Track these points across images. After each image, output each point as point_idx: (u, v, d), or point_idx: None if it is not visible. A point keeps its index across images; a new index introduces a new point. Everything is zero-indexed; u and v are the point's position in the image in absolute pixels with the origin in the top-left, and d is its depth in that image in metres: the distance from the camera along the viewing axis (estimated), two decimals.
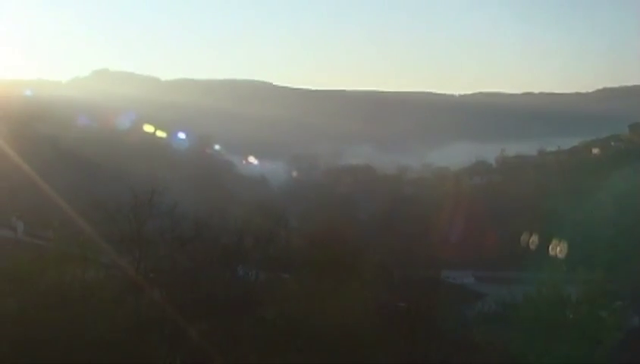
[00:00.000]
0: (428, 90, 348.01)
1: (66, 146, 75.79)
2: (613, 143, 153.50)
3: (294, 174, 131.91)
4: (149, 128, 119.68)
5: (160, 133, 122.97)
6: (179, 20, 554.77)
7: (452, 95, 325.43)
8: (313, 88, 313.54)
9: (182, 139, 65.00)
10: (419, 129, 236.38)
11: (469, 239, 74.26)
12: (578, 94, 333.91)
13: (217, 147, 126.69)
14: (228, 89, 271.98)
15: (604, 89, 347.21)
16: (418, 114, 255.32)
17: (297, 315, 34.57)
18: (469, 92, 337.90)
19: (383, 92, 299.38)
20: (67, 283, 32.36)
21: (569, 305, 35.85)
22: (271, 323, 35.14)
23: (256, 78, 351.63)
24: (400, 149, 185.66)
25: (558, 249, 53.11)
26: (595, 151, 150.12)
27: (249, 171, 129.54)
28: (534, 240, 67.02)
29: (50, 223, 39.87)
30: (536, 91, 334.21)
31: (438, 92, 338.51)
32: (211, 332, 33.21)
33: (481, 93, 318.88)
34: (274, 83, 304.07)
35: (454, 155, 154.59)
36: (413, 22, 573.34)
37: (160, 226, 41.67)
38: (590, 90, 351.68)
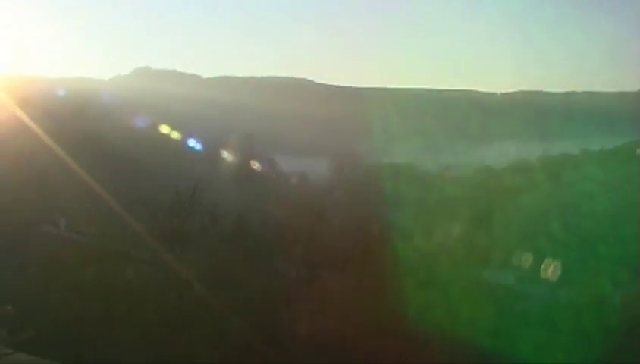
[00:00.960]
0: (469, 88, 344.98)
1: (108, 143, 76.33)
2: None
3: (335, 171, 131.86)
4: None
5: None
6: (220, 17, 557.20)
7: (494, 94, 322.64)
8: (355, 85, 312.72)
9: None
10: (461, 127, 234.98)
11: (509, 238, 73.61)
12: (622, 93, 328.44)
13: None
14: (270, 86, 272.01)
15: None
16: (459, 113, 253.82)
17: (336, 314, 34.47)
18: (511, 90, 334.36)
19: (425, 89, 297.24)
20: (109, 279, 32.56)
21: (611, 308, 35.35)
22: (309, 321, 35.08)
23: (298, 75, 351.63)
24: (442, 148, 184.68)
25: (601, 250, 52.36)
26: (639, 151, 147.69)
27: (291, 169, 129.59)
28: (577, 240, 66.15)
29: (92, 219, 40.16)
30: (579, 90, 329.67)
31: (480, 90, 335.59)
32: (251, 330, 33.22)
33: (522, 92, 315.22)
34: (315, 81, 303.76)
35: (496, 154, 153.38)
36: (455, 20, 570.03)
37: (201, 223, 41.79)
38: (634, 89, 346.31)
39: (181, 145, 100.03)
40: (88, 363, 26.11)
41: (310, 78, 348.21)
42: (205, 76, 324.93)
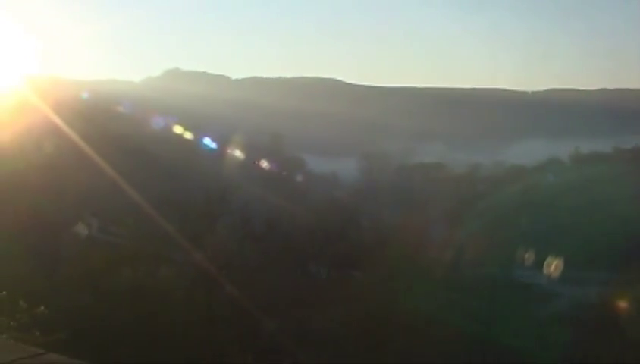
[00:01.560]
0: (500, 87, 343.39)
1: (138, 145, 76.80)
2: None
3: (365, 172, 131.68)
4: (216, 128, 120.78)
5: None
6: (249, 18, 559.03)
7: (524, 92, 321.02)
8: (383, 85, 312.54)
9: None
10: (491, 126, 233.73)
11: (540, 238, 73.07)
12: None
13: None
14: (298, 86, 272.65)
15: None
16: (490, 111, 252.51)
17: (368, 314, 34.39)
18: (542, 88, 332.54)
19: (454, 89, 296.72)
20: (140, 280, 32.70)
21: None
22: (342, 321, 35.02)
23: (326, 75, 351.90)
24: (472, 147, 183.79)
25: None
26: None
27: (320, 169, 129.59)
28: (608, 239, 65.54)
29: (123, 221, 40.37)
30: (611, 87, 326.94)
31: (510, 88, 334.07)
32: (282, 329, 33.23)
33: (553, 90, 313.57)
34: (344, 81, 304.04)
35: (527, 153, 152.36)
36: (485, 19, 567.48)
37: (231, 223, 41.87)
38: None
39: (209, 146, 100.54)
40: (122, 363, 26.24)
41: (339, 78, 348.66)
42: (234, 77, 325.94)
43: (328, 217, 56.23)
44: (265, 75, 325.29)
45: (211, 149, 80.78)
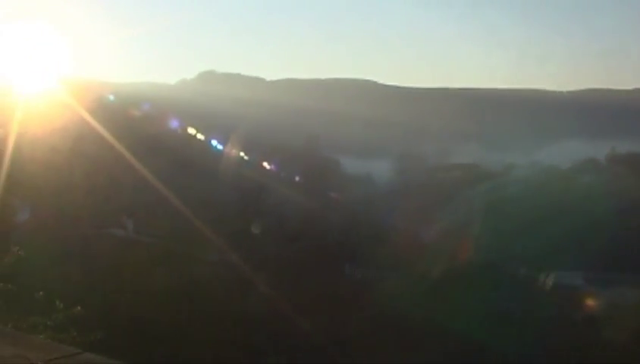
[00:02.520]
0: (535, 87, 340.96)
1: (175, 147, 77.22)
2: None
3: (400, 173, 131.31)
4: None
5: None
6: (283, 20, 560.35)
7: (560, 92, 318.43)
8: (418, 86, 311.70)
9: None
10: (526, 126, 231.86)
11: (577, 239, 72.41)
12: None
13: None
14: (333, 88, 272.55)
15: None
16: (525, 112, 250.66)
17: (403, 314, 34.28)
18: (577, 88, 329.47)
19: (489, 89, 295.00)
20: (175, 280, 32.87)
21: None
22: (378, 322, 34.94)
23: (361, 77, 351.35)
24: (507, 148, 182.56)
25: None
26: None
27: (354, 171, 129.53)
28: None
29: (158, 222, 40.60)
30: None
31: (546, 88, 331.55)
32: (316, 330, 33.23)
33: (589, 90, 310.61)
34: (378, 82, 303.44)
35: (562, 153, 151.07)
36: (518, 19, 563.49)
37: (267, 224, 41.96)
38: None
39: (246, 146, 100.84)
40: (157, 362, 26.41)
41: (374, 79, 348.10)
42: (269, 78, 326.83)
43: (363, 218, 56.14)
44: (299, 76, 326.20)
45: (244, 151, 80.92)
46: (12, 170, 22.56)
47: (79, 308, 14.73)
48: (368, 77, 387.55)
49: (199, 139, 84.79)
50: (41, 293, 14.62)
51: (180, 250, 34.94)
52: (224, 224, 37.35)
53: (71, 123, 37.15)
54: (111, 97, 53.10)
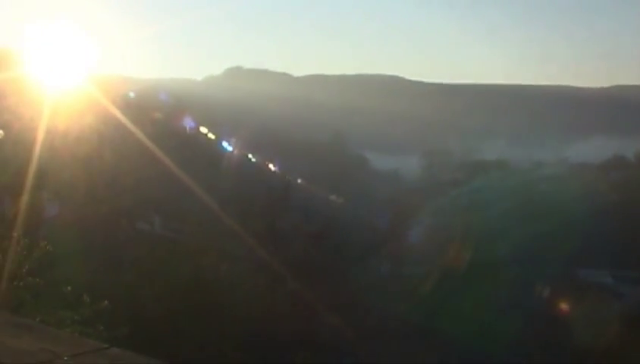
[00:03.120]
0: (563, 83, 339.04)
1: (201, 142, 77.49)
2: None
3: (427, 169, 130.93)
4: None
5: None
6: (310, 16, 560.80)
7: (589, 88, 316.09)
8: (446, 82, 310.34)
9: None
10: (554, 123, 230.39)
11: (604, 237, 71.85)
12: None
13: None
14: (360, 84, 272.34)
15: None
16: (552, 108, 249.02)
17: (427, 312, 34.22)
18: (606, 85, 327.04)
19: (517, 85, 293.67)
20: (203, 276, 32.95)
21: None
22: (402, 318, 34.89)
23: (388, 72, 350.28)
24: (535, 144, 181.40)
25: None
26: None
27: (382, 167, 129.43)
28: None
29: (186, 217, 40.69)
30: None
31: (573, 85, 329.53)
32: (342, 326, 33.21)
33: (618, 86, 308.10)
34: (405, 78, 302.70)
35: (591, 150, 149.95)
36: (549, 15, 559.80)
37: (293, 220, 42.00)
38: None
39: (275, 144, 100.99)
40: (183, 358, 26.50)
41: (401, 75, 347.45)
42: (295, 75, 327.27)
43: (390, 215, 56.06)
44: (326, 72, 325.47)
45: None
46: (41, 165, 22.69)
47: (106, 302, 14.80)
48: (394, 73, 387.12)
49: (224, 135, 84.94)
50: (69, 287, 14.70)
51: (207, 245, 35.00)
52: (251, 220, 37.39)
53: (99, 119, 37.38)
54: (131, 94, 53.35)
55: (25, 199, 18.85)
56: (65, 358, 7.29)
